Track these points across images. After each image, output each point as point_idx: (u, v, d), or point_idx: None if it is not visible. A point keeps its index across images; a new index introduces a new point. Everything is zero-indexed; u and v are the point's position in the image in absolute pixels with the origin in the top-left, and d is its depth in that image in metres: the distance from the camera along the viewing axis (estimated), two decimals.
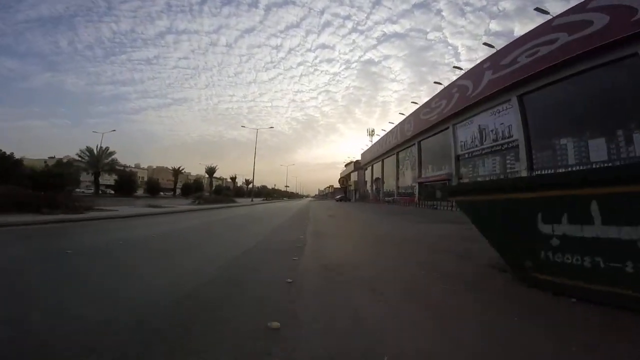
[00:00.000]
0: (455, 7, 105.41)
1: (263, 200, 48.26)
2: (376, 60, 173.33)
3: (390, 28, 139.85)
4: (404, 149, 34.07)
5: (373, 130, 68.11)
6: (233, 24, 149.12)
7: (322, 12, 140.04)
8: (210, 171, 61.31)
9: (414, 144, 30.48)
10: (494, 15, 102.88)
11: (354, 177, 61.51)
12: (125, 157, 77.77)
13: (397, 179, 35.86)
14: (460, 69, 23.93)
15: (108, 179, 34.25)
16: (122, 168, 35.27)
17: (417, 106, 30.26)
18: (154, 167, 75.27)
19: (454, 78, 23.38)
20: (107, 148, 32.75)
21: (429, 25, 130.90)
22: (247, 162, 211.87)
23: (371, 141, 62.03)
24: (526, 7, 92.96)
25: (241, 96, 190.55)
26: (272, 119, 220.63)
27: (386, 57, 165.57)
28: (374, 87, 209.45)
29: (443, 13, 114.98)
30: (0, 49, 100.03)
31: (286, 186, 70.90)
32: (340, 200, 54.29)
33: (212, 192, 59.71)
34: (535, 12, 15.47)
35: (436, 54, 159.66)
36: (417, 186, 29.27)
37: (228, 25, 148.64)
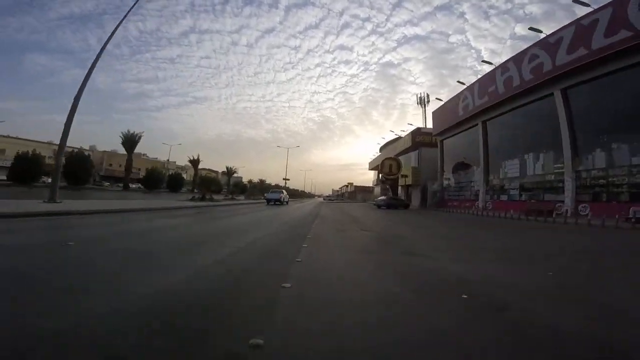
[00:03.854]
0: (479, 10, 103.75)
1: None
2: (395, 62, 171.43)
3: (410, 30, 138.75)
4: None
5: (428, 96, 42.96)
6: (254, 24, 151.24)
7: (341, 14, 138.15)
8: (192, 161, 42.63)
9: None
10: (519, 19, 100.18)
11: (409, 161, 36.03)
12: (152, 152, 76.26)
13: None
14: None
15: None
16: None
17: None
18: (109, 150, 55.78)
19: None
20: None
21: (451, 27, 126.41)
22: (264, 161, 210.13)
23: (424, 112, 38.72)
24: (555, 12, 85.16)
25: (260, 96, 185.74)
26: (289, 119, 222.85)
27: (406, 60, 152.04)
28: (393, 89, 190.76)
29: (466, 16, 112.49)
30: (33, 45, 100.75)
31: (285, 179, 46.13)
32: (387, 205, 25.14)
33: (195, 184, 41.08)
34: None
35: (458, 57, 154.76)
36: None
37: (249, 25, 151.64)
